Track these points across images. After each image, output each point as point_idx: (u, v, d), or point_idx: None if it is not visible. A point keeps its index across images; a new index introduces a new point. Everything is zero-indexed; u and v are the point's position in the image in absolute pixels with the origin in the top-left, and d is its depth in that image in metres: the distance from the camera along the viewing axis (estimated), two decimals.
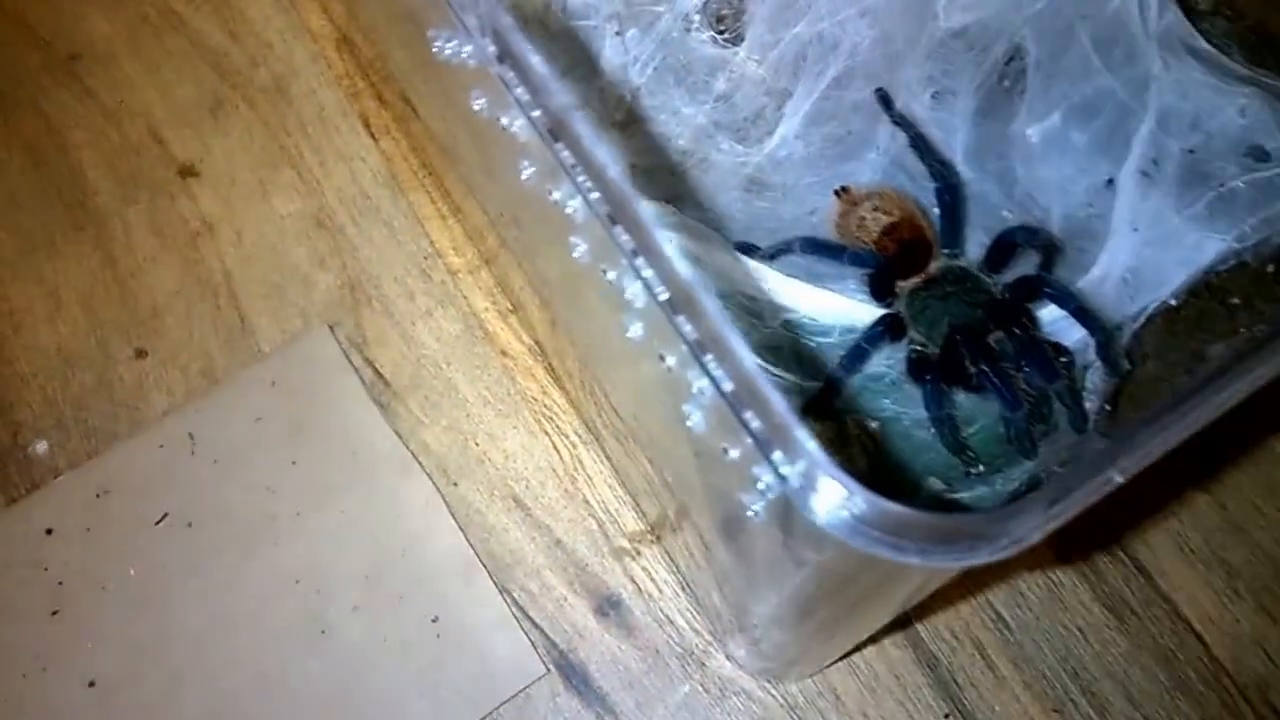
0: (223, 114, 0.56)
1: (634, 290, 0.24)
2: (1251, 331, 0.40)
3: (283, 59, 0.57)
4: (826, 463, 0.21)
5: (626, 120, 0.50)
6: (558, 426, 0.49)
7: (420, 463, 0.47)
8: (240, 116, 0.56)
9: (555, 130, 0.25)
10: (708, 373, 0.23)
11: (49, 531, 0.47)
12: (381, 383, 0.50)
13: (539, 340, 0.50)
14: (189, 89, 0.57)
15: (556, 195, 0.27)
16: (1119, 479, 0.22)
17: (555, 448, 0.48)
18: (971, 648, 0.44)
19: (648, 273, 0.24)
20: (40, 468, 0.48)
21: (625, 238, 0.24)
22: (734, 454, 0.23)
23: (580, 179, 0.25)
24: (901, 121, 0.47)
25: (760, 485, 0.22)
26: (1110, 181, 0.45)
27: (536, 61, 0.26)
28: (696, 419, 0.24)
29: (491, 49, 0.27)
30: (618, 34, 0.48)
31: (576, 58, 0.49)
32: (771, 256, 0.47)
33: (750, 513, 0.23)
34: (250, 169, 0.55)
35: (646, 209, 0.24)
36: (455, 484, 0.47)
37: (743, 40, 0.49)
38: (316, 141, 0.55)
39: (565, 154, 0.25)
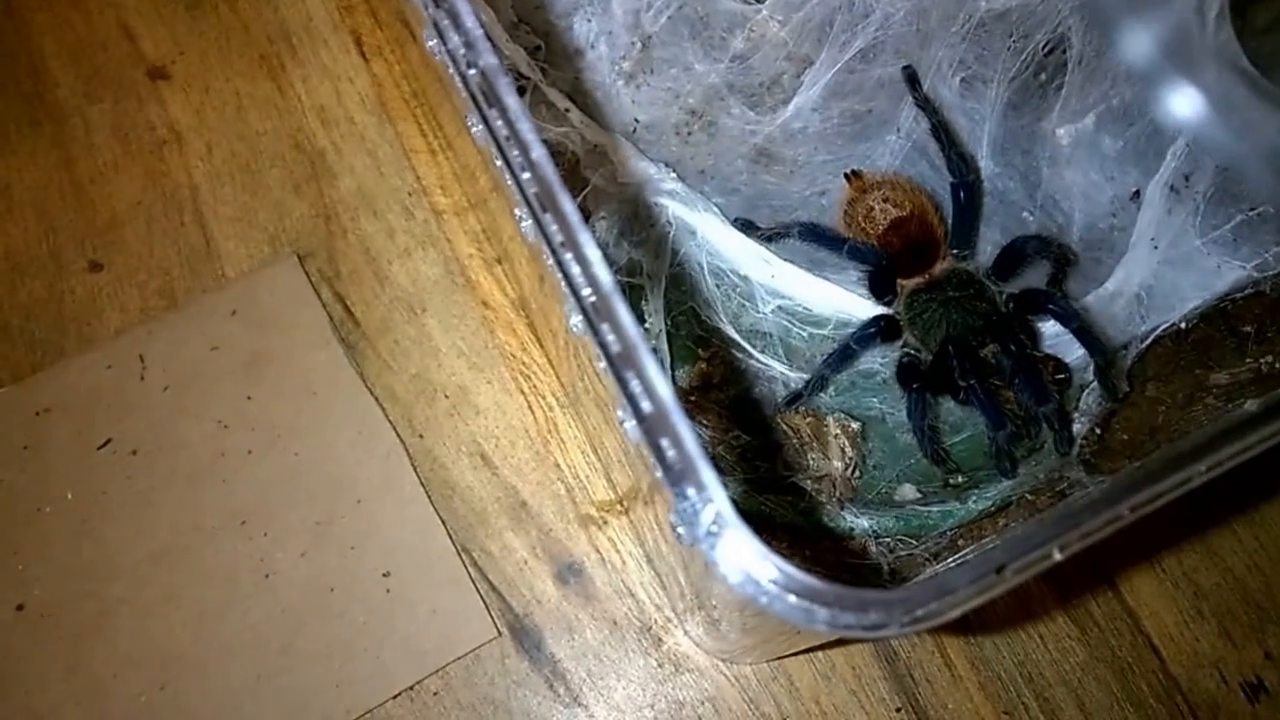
0: (200, 12, 0.52)
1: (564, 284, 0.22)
2: (1258, 362, 0.39)
3: None
4: (735, 519, 0.19)
5: (634, 70, 0.47)
6: (535, 386, 0.47)
7: (384, 410, 0.45)
8: (219, 17, 0.52)
9: (487, 94, 0.23)
10: (626, 392, 0.20)
11: None
12: (351, 321, 0.47)
13: (524, 295, 0.47)
14: None
15: (499, 161, 0.24)
16: (1057, 556, 0.21)
17: (530, 408, 0.46)
18: (932, 645, 0.43)
19: (574, 270, 0.21)
20: None
21: (554, 228, 0.22)
22: (659, 473, 0.21)
23: (513, 154, 0.22)
24: (925, 105, 0.45)
25: (680, 511, 0.20)
26: (1137, 193, 0.43)
27: (465, 9, 0.23)
28: (630, 426, 0.22)
29: None
30: None
31: None
32: (770, 238, 0.45)
33: (676, 532, 0.22)
34: (226, 77, 0.51)
35: (571, 209, 0.21)
36: (420, 436, 0.45)
37: None
38: (301, 55, 0.51)
39: (498, 122, 0.22)
